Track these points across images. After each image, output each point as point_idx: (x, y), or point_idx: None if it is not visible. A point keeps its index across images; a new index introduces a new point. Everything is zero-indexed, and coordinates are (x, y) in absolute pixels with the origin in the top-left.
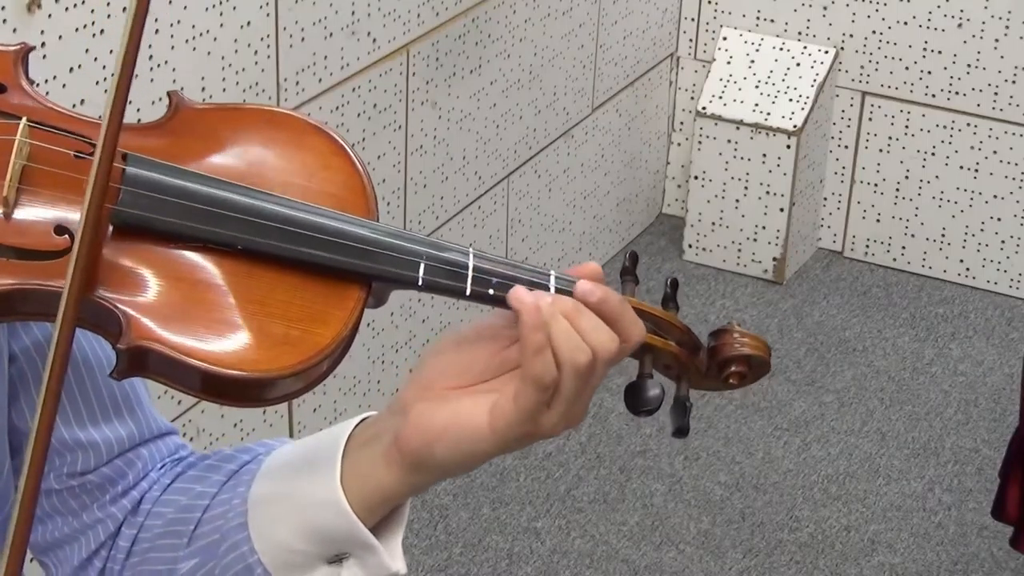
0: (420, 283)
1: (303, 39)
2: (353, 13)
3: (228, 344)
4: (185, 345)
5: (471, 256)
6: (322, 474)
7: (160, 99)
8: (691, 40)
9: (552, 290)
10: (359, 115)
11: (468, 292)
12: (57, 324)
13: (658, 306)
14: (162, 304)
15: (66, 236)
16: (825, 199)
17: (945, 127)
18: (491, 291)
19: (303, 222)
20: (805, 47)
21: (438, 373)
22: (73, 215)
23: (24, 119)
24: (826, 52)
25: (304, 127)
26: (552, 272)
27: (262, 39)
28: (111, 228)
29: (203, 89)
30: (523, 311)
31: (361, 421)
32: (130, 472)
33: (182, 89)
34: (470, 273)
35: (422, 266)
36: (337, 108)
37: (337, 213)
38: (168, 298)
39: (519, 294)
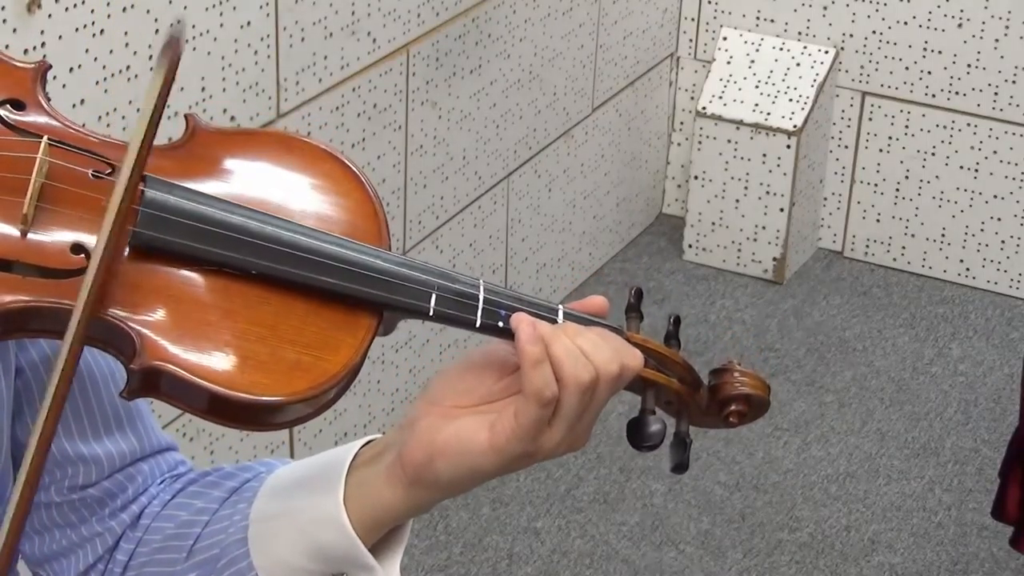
0: (431, 313)
1: (303, 39)
2: (353, 13)
3: (239, 368)
4: (198, 368)
5: (482, 288)
6: (325, 492)
7: None
8: (691, 40)
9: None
10: (359, 115)
11: (478, 324)
12: (66, 343)
13: (661, 342)
14: (176, 326)
15: (82, 255)
16: (825, 199)
17: (945, 127)
18: (500, 323)
19: (318, 250)
20: (805, 47)
21: (445, 391)
22: (90, 234)
23: (45, 138)
24: (826, 52)
25: (318, 153)
26: (561, 306)
27: (262, 39)
28: (128, 248)
29: (203, 89)
30: (519, 327)
31: (367, 443)
32: (130, 486)
33: (182, 89)
34: (480, 305)
35: (434, 297)
36: (337, 108)
37: (351, 241)
38: (182, 320)
39: (518, 314)
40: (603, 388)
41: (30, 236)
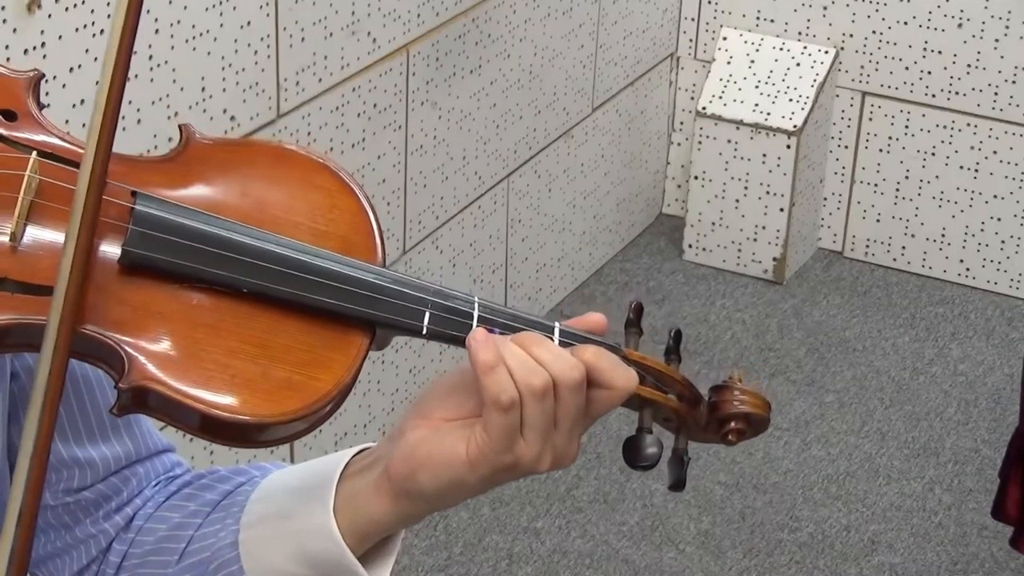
0: (424, 331)
1: (303, 39)
2: (353, 13)
3: (230, 388)
4: (187, 388)
5: (476, 306)
6: (316, 500)
7: (160, 99)
8: (691, 40)
9: (556, 341)
10: (359, 115)
11: None
12: (44, 360)
13: (660, 358)
14: (166, 344)
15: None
16: (825, 199)
17: (945, 127)
18: None
19: (310, 266)
20: (805, 47)
21: (434, 404)
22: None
23: (34, 154)
24: (826, 52)
25: (313, 166)
26: (557, 324)
27: (262, 39)
28: (117, 266)
29: (203, 89)
30: (469, 338)
31: (360, 451)
32: (125, 489)
33: (182, 89)
34: (475, 324)
35: (427, 315)
36: (337, 108)
37: (344, 258)
38: (172, 339)
39: (475, 328)
40: (567, 396)
41: (19, 253)
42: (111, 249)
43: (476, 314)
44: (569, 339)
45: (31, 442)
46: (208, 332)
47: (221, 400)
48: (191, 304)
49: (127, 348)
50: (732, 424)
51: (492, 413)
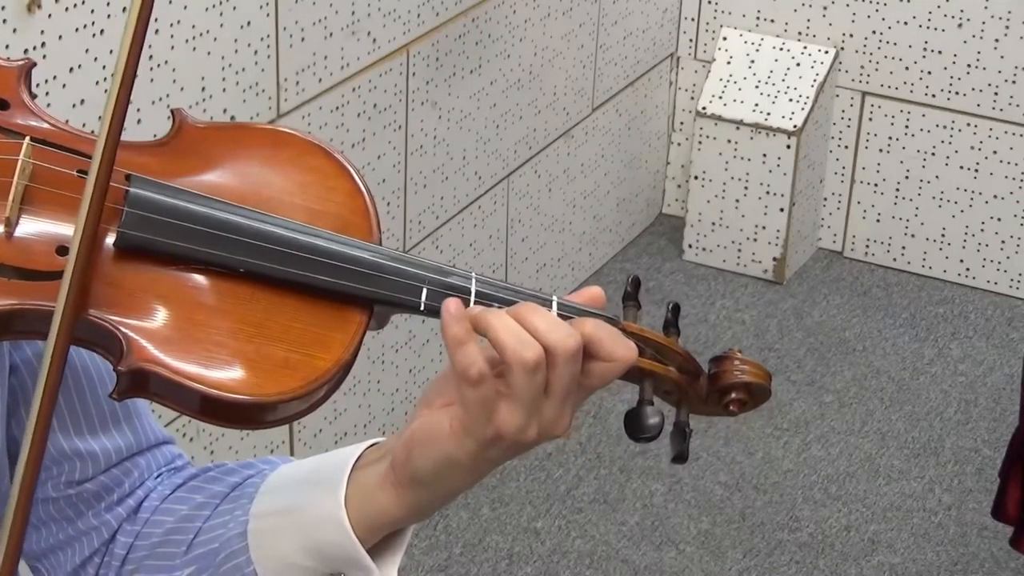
0: (422, 307)
1: (303, 39)
2: (353, 13)
3: (229, 367)
4: (186, 368)
5: (474, 281)
6: (326, 491)
7: (160, 99)
8: (691, 40)
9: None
10: (359, 115)
11: None
12: (49, 345)
13: (659, 331)
14: (164, 326)
15: (68, 256)
16: (825, 199)
17: (945, 127)
18: None
19: (306, 245)
20: (805, 47)
21: (436, 393)
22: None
23: (27, 138)
24: (826, 52)
25: (307, 147)
26: (555, 298)
27: (262, 39)
28: (113, 249)
29: (203, 89)
30: (442, 310)
31: (371, 446)
32: (127, 480)
33: (182, 89)
34: (472, 299)
35: (424, 291)
36: (337, 108)
37: (340, 236)
38: (170, 320)
39: (448, 298)
40: (562, 366)
41: (14, 238)
42: (107, 232)
43: (474, 289)
44: (567, 312)
45: (34, 418)
46: (206, 313)
47: (220, 380)
48: (188, 286)
49: (125, 331)
50: (733, 395)
51: (463, 387)
